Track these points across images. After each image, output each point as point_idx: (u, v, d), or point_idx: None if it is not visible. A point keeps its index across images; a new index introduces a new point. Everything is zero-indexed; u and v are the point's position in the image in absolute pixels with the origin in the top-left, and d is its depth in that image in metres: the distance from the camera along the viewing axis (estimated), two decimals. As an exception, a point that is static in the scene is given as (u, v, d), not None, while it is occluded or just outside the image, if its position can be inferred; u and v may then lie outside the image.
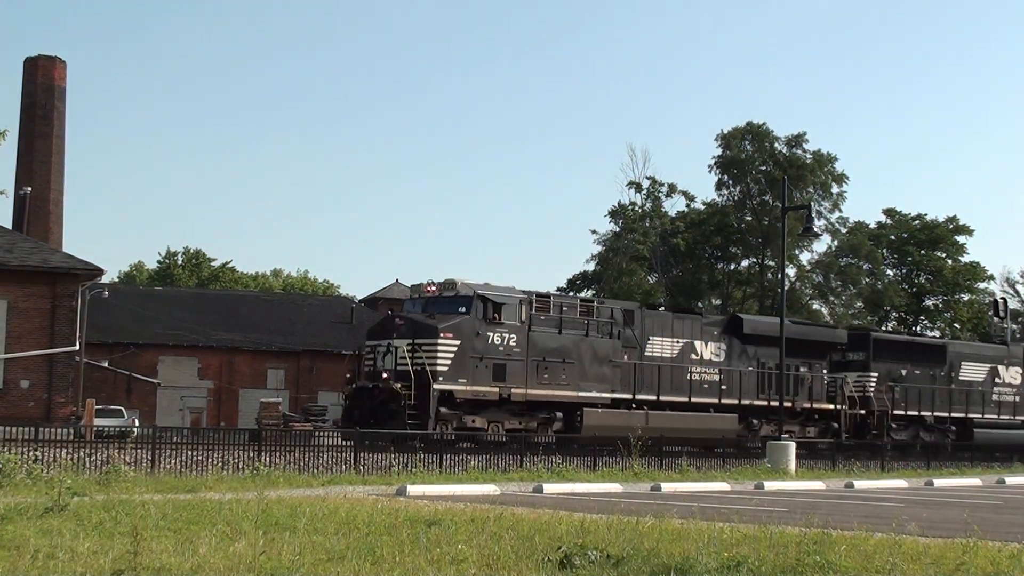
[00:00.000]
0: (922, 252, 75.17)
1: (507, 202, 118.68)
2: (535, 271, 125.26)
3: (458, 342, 29.10)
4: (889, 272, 75.50)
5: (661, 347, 34.07)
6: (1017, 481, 32.21)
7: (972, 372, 42.91)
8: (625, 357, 32.83)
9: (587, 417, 31.16)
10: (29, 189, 44.61)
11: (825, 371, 38.57)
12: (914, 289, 75.83)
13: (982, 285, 76.96)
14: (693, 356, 34.70)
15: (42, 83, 50.33)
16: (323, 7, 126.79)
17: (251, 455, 23.27)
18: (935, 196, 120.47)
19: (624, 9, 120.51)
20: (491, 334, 29.68)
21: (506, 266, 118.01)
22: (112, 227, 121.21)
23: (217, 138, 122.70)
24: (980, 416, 42.35)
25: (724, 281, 72.94)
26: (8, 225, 32.05)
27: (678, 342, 34.37)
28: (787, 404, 34.72)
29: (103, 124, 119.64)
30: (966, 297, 76.73)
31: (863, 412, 38.68)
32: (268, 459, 23.27)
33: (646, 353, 33.62)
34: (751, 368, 36.15)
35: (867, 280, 72.84)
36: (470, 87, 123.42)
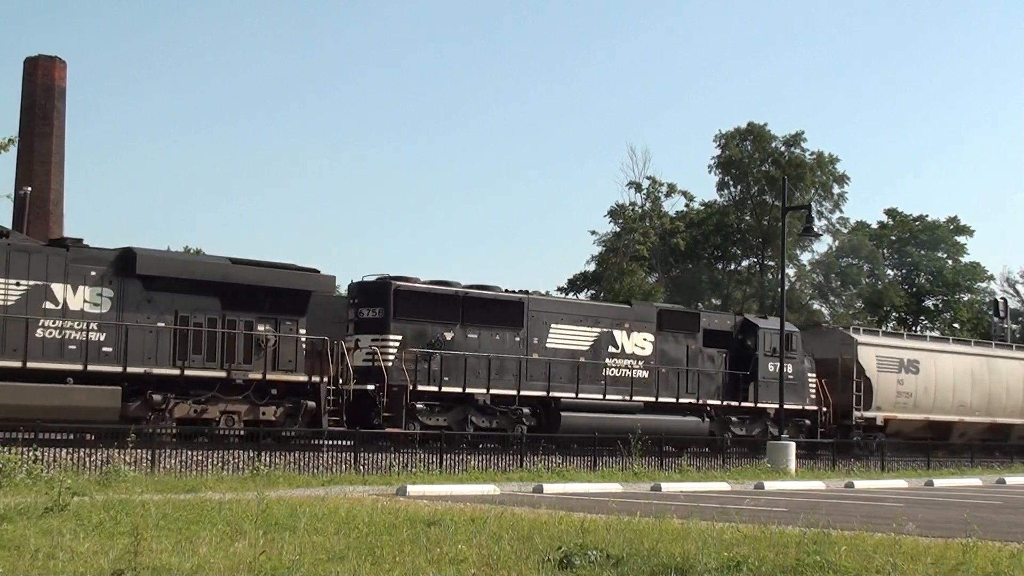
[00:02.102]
0: (922, 252, 75.24)
1: (506, 202, 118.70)
2: (535, 271, 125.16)
3: None
4: (889, 272, 75.54)
5: None
6: (1017, 481, 32.22)
7: (567, 337, 31.87)
8: None
9: None
10: (29, 189, 44.51)
11: (304, 331, 28.02)
12: (914, 289, 75.87)
13: (982, 285, 77.03)
14: (49, 306, 24.54)
15: (42, 83, 50.27)
16: (323, 6, 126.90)
17: (251, 455, 23.27)
18: (937, 196, 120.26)
19: (624, 9, 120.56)
20: None
21: (506, 266, 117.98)
22: (112, 227, 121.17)
23: (218, 137, 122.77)
24: (573, 396, 31.16)
25: (724, 281, 72.94)
26: (8, 225, 31.99)
27: (19, 285, 24.31)
28: (220, 374, 26.37)
29: (103, 124, 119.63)
30: (966, 297, 76.74)
31: (372, 387, 28.21)
32: (268, 459, 23.28)
33: None
34: (161, 324, 25.77)
35: (867, 280, 72.86)
36: (469, 86, 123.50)
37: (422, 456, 25.83)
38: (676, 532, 12.81)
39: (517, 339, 31.06)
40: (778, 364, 33.42)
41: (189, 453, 22.67)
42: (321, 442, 25.57)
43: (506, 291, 32.31)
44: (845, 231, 72.20)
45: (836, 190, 69.93)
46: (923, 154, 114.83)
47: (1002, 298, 64.78)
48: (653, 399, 33.04)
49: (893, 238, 76.63)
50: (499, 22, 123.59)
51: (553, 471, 26.14)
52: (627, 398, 32.54)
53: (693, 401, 34.09)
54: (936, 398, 40.91)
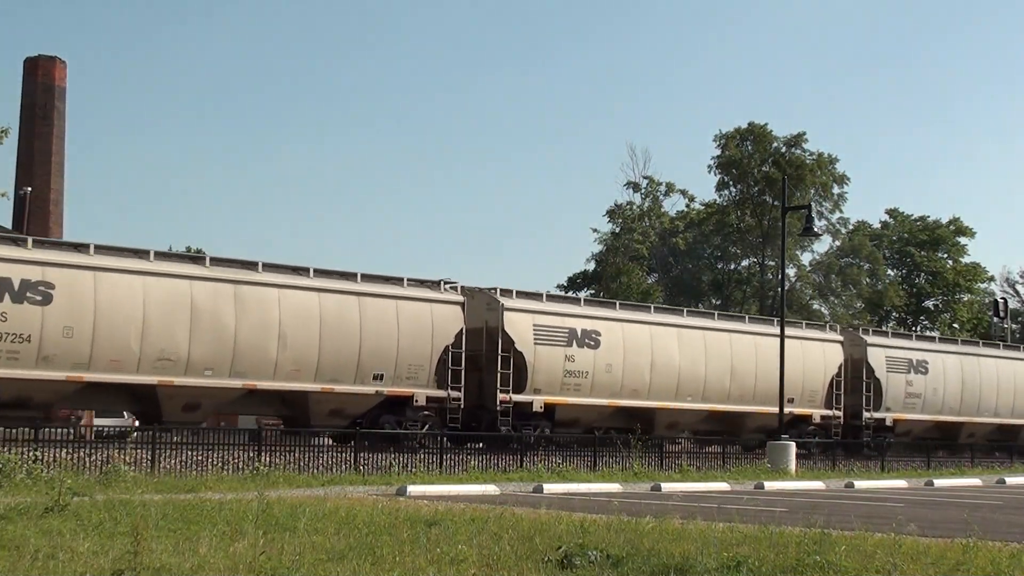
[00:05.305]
0: (923, 253, 75.23)
1: (507, 201, 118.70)
2: (535, 271, 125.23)
3: None
4: (890, 272, 75.55)
5: None
6: (1017, 481, 32.23)
7: None
8: None
9: None
10: (29, 189, 44.55)
11: None
12: (914, 289, 75.86)
13: (982, 285, 77.00)
14: None
15: (42, 83, 50.24)
16: (324, 4, 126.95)
17: (251, 455, 23.26)
18: (938, 197, 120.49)
19: (626, 9, 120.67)
20: None
21: (506, 266, 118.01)
22: (112, 227, 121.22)
23: (218, 137, 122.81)
24: None
25: (724, 281, 72.90)
26: (8, 225, 32.06)
27: None
28: None
29: (103, 124, 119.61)
30: (966, 297, 76.73)
31: None
32: (268, 459, 23.26)
33: None
34: None
35: (867, 280, 72.85)
36: (470, 85, 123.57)
37: (422, 456, 25.87)
38: (676, 532, 12.81)
39: None
40: None
41: (189, 453, 22.66)
42: (321, 442, 25.58)
43: None
44: (845, 231, 72.21)
45: (836, 190, 69.96)
46: (925, 154, 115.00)
47: (1002, 298, 64.79)
48: None
49: (894, 238, 76.61)
50: (500, 21, 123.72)
51: (553, 471, 26.14)
52: None
53: None
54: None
